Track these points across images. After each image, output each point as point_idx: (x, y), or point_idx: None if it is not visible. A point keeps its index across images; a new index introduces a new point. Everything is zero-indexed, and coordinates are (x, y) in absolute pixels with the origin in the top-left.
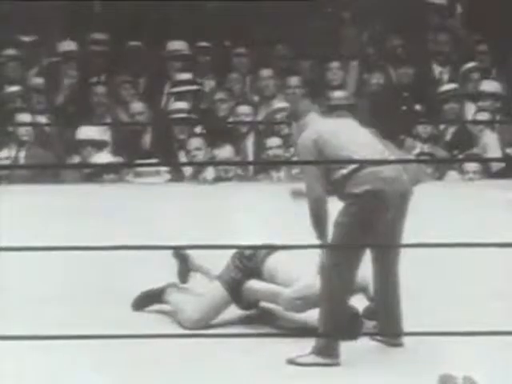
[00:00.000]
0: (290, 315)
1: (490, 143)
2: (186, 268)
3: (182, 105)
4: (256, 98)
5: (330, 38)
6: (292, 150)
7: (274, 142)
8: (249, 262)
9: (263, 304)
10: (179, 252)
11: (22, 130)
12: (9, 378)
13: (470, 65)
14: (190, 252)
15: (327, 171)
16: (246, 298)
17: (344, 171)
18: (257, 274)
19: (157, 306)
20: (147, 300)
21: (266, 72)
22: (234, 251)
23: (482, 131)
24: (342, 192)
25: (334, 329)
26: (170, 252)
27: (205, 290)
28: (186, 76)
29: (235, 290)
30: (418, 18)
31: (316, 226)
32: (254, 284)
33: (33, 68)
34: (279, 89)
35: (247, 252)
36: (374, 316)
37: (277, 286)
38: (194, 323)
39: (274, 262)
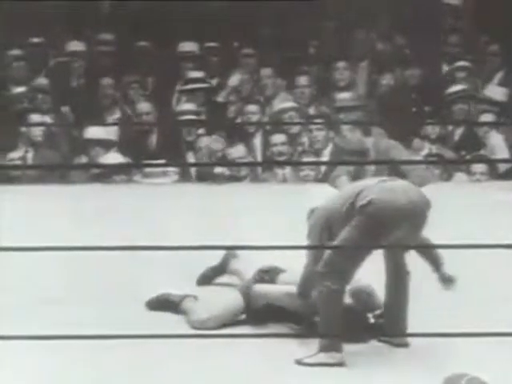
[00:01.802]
0: (298, 317)
1: (497, 144)
2: (222, 270)
3: (190, 106)
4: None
5: (339, 39)
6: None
7: (278, 138)
8: (265, 275)
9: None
10: (229, 252)
11: (32, 131)
12: (13, 379)
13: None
14: (234, 254)
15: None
16: (254, 303)
17: (356, 190)
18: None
19: None
20: (163, 304)
21: (265, 71)
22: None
23: (488, 133)
24: (353, 215)
25: (334, 329)
26: (177, 252)
27: (223, 295)
28: (198, 74)
29: (249, 299)
30: (431, 19)
31: (300, 293)
32: (262, 287)
33: (40, 68)
34: (285, 88)
35: (265, 267)
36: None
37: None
38: (202, 323)
39: (287, 276)
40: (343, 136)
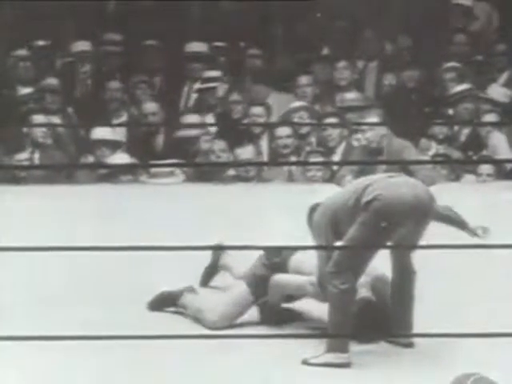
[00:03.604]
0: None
1: (500, 145)
2: (215, 267)
3: (195, 118)
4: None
5: (348, 39)
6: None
7: (283, 131)
8: (275, 258)
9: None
10: (217, 250)
11: (37, 132)
12: (13, 379)
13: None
14: (224, 252)
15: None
16: (273, 294)
17: (361, 185)
18: (283, 269)
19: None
20: (163, 302)
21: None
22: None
23: (490, 133)
24: (358, 211)
25: (343, 329)
26: (183, 252)
27: (228, 290)
28: (214, 73)
29: (259, 288)
30: (440, 19)
31: (320, 287)
32: (280, 277)
33: (47, 69)
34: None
35: (273, 249)
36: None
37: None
38: (215, 323)
39: (300, 257)
40: (364, 133)
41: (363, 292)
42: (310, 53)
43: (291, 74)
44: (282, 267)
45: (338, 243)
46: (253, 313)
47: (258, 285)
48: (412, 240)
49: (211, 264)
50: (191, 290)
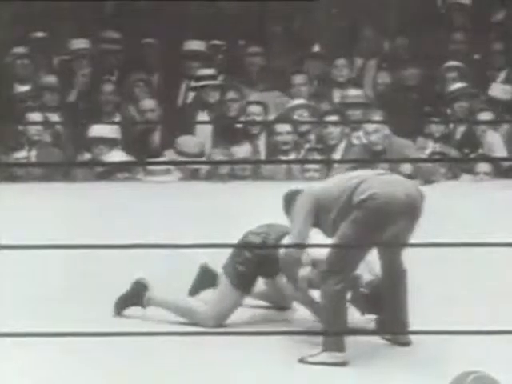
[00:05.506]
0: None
1: (495, 143)
2: (205, 283)
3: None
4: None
5: (347, 36)
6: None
7: (283, 127)
8: (261, 251)
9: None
10: (205, 267)
11: (34, 130)
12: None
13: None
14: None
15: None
16: (285, 268)
17: (353, 182)
18: (272, 260)
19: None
20: (127, 303)
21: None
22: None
23: (486, 131)
24: (351, 209)
25: (338, 328)
26: (177, 251)
27: (216, 288)
28: (209, 71)
29: (244, 282)
30: (436, 17)
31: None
32: (288, 251)
33: (44, 66)
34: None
35: (257, 241)
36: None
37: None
38: (211, 320)
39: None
40: (368, 136)
41: (368, 276)
42: (306, 51)
43: (288, 73)
44: (272, 258)
45: (318, 234)
46: (248, 310)
47: (241, 279)
48: (403, 238)
49: (199, 279)
50: (142, 282)
